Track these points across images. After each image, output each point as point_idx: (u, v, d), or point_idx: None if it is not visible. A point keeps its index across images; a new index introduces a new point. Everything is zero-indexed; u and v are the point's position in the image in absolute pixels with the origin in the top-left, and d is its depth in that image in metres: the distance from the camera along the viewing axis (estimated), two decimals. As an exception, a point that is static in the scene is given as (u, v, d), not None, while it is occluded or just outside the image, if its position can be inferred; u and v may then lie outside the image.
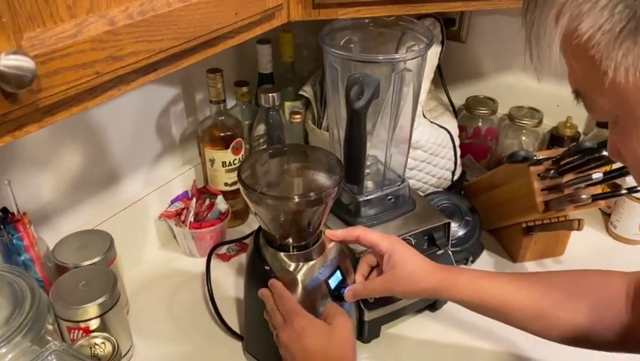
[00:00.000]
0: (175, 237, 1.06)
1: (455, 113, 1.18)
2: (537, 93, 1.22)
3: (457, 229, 1.00)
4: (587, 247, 1.08)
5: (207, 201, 1.05)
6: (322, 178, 0.71)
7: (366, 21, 0.83)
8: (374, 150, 0.89)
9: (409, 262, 0.71)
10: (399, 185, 0.88)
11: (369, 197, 0.85)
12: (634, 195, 1.01)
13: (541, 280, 0.71)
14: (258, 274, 0.75)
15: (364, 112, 0.71)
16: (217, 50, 0.65)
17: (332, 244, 0.77)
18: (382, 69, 0.77)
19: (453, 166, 1.12)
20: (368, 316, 0.83)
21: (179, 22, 0.55)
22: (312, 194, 0.67)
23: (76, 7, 0.46)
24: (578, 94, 0.44)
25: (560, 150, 0.92)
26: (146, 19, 0.51)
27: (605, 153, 0.81)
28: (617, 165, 0.88)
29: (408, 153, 0.90)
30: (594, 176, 0.85)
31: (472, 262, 1.02)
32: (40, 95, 0.45)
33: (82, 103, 0.51)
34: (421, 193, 1.07)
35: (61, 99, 0.48)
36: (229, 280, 0.99)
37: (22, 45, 0.42)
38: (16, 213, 0.75)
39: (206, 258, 0.95)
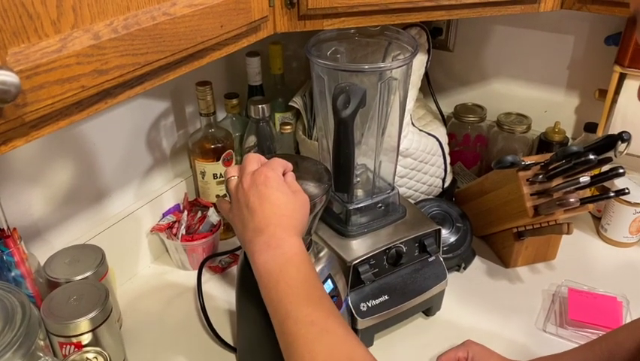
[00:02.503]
0: (167, 250, 1.06)
1: (444, 120, 1.19)
2: (525, 100, 1.24)
3: (448, 236, 1.01)
4: (579, 250, 1.08)
5: (199, 214, 1.05)
6: (311, 187, 0.72)
7: (352, 31, 0.84)
8: (363, 158, 0.89)
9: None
10: (389, 193, 0.88)
11: (359, 205, 0.86)
12: (622, 197, 1.02)
13: (604, 344, 0.71)
14: (249, 286, 0.74)
15: (351, 121, 0.72)
16: (204, 62, 0.65)
17: (323, 251, 0.78)
18: (369, 78, 0.78)
19: (443, 173, 1.13)
20: (361, 324, 0.83)
21: (164, 35, 0.56)
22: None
23: (61, 22, 0.46)
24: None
25: (548, 155, 0.93)
26: (130, 32, 0.52)
27: (591, 157, 0.82)
28: (605, 169, 0.89)
29: (397, 160, 0.90)
30: (582, 179, 0.85)
31: (465, 268, 1.03)
32: (26, 110, 0.45)
33: (68, 117, 0.51)
34: (411, 201, 1.07)
35: (48, 113, 0.48)
36: (222, 292, 0.99)
37: (7, 60, 0.42)
38: (6, 229, 0.75)
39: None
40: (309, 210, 0.65)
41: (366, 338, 0.86)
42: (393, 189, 0.89)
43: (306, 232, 0.73)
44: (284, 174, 0.66)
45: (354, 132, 0.73)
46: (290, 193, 0.63)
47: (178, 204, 1.08)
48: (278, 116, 1.17)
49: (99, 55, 0.49)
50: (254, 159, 0.66)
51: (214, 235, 1.02)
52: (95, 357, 0.75)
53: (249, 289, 0.75)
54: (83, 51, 0.48)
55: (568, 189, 0.89)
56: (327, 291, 0.74)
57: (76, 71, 0.48)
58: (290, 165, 0.68)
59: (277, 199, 0.62)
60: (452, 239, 1.01)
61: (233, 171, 0.67)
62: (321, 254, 0.77)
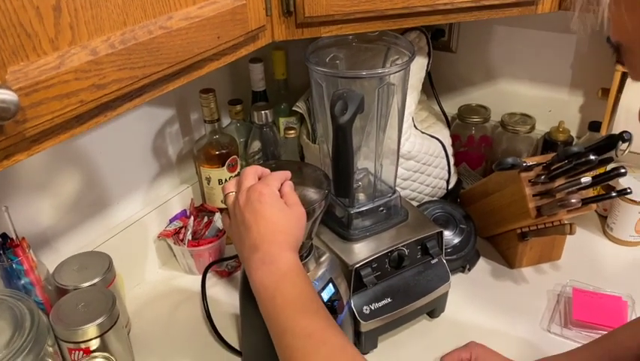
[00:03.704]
0: (175, 255, 1.08)
1: (448, 122, 1.19)
2: (529, 99, 1.23)
3: (452, 238, 1.01)
4: (584, 250, 1.08)
5: (205, 219, 1.06)
6: (311, 193, 0.73)
7: (350, 37, 0.85)
8: (364, 161, 0.90)
9: None
10: (390, 196, 0.89)
11: (360, 209, 0.86)
12: (627, 196, 1.02)
13: (605, 344, 0.71)
14: (252, 291, 0.76)
15: (349, 126, 0.72)
16: (202, 72, 0.67)
17: (325, 256, 0.79)
18: (369, 83, 0.78)
19: (447, 175, 1.13)
20: (364, 327, 0.84)
21: (161, 48, 0.57)
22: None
23: (59, 39, 0.48)
24: (618, 48, 0.44)
25: (550, 156, 0.93)
26: (127, 47, 0.53)
27: (592, 157, 0.82)
28: (609, 168, 0.89)
29: (397, 163, 0.91)
30: (583, 180, 0.85)
31: (469, 269, 1.03)
32: (27, 125, 0.46)
33: (69, 130, 0.53)
34: (415, 203, 1.08)
35: (48, 128, 0.49)
36: (228, 296, 1.01)
37: (6, 79, 0.44)
38: (14, 238, 0.77)
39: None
40: (304, 223, 0.66)
41: (370, 340, 0.87)
42: (394, 192, 0.90)
43: (307, 236, 0.74)
44: (282, 185, 0.67)
45: (352, 138, 0.74)
46: (285, 209, 0.64)
47: (184, 210, 1.09)
48: (282, 120, 1.18)
49: (97, 70, 0.51)
50: (250, 174, 0.67)
51: (220, 240, 1.04)
52: (103, 362, 0.77)
53: (252, 294, 0.76)
54: (81, 67, 0.49)
55: (570, 189, 0.89)
56: (329, 295, 0.75)
57: (74, 87, 0.49)
58: (288, 175, 0.69)
59: (271, 215, 0.63)
60: (456, 240, 1.01)
61: (231, 186, 0.68)
62: (323, 258, 0.78)
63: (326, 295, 0.75)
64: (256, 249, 0.62)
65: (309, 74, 0.81)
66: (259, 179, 0.68)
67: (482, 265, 1.05)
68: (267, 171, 0.69)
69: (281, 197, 0.66)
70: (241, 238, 0.64)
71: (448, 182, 1.14)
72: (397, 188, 0.92)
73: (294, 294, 0.59)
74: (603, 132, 1.07)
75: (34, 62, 0.46)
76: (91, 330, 0.77)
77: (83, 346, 0.78)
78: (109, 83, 0.52)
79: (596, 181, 0.86)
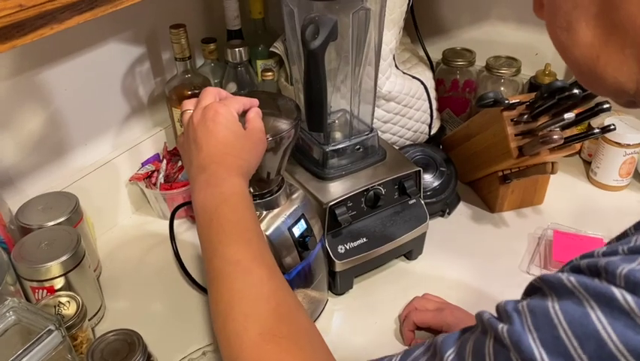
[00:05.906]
0: (148, 201, 1.05)
1: (431, 64, 1.15)
2: (515, 42, 1.19)
3: (431, 180, 0.99)
4: (568, 195, 1.06)
5: (179, 163, 1.03)
6: (282, 124, 0.69)
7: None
8: (342, 101, 0.86)
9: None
10: (367, 134, 0.86)
11: (336, 147, 0.83)
12: (612, 139, 0.99)
13: None
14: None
15: (321, 53, 0.68)
16: (162, -10, 0.62)
17: (297, 193, 0.76)
18: (342, 9, 0.74)
19: (429, 119, 1.10)
20: (339, 266, 0.82)
21: (111, -46, 0.53)
22: (268, 136, 0.65)
23: None
24: None
25: (533, 94, 0.89)
26: (72, -52, 0.49)
27: (576, 91, 0.79)
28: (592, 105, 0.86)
29: (374, 101, 0.87)
30: (566, 116, 0.82)
31: (449, 213, 1.01)
32: (-44, 28, 0.43)
33: (9, 40, 0.49)
34: (395, 147, 1.04)
35: (-17, 34, 0.46)
36: (203, 241, 0.98)
37: None
38: (-30, 172, 0.74)
39: (179, 220, 0.94)
40: (262, 150, 0.63)
41: (345, 281, 0.85)
42: (372, 130, 0.87)
43: (276, 171, 0.71)
44: (246, 111, 0.64)
45: (324, 66, 0.70)
46: (240, 131, 0.61)
47: (157, 154, 1.06)
48: (259, 63, 1.14)
49: (37, -29, 0.47)
50: (211, 93, 0.63)
51: (194, 184, 1.00)
52: (68, 301, 0.74)
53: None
54: (18, -35, 0.45)
55: (553, 127, 0.86)
56: (300, 231, 0.73)
57: (10, -13, 0.45)
58: (255, 102, 0.65)
59: (224, 137, 0.59)
60: (436, 183, 0.99)
61: (189, 104, 0.64)
62: (295, 195, 0.75)
63: (297, 230, 0.72)
64: (203, 170, 0.59)
65: (281, 2, 0.77)
66: None
67: (462, 209, 1.03)
68: (230, 94, 0.65)
69: (245, 122, 0.62)
70: (190, 157, 0.61)
71: (430, 127, 1.11)
72: (378, 130, 0.89)
73: (232, 220, 0.56)
74: (590, 73, 1.03)
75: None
76: (54, 268, 0.74)
77: (46, 285, 0.75)
78: (52, -13, 0.48)
79: (580, 118, 0.83)
